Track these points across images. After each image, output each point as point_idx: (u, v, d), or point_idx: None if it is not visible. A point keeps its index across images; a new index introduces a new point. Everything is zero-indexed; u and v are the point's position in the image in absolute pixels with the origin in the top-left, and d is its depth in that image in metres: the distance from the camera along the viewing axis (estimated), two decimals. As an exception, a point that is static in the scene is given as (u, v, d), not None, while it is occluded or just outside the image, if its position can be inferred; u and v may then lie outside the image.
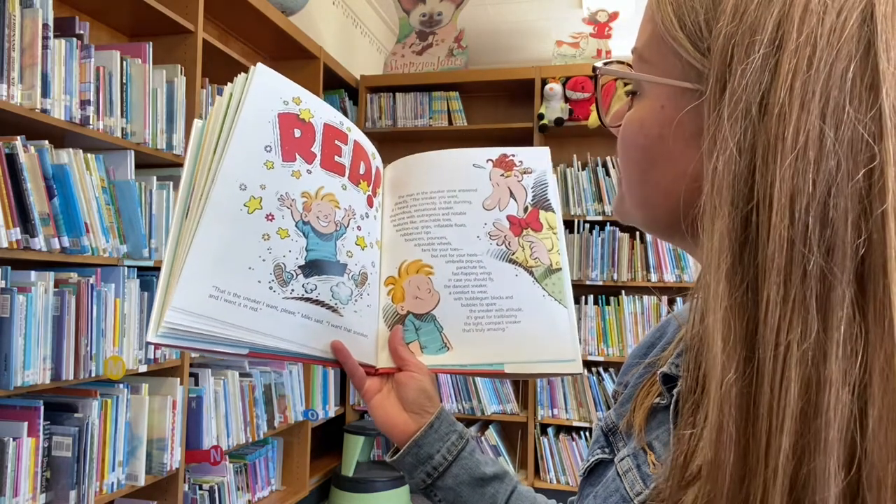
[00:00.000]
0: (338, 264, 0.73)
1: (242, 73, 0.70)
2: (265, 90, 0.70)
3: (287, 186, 0.69)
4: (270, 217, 0.68)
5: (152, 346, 2.15)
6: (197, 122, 0.71)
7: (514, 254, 0.78)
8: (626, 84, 0.47)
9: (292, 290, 0.68)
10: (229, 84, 0.71)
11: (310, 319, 0.70)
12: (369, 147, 0.81)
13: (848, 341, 0.31)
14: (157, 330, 0.61)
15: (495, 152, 0.82)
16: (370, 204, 0.79)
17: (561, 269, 0.78)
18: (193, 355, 2.39)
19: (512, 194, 0.80)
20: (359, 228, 0.76)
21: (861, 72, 0.32)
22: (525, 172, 0.81)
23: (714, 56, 0.36)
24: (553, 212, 0.80)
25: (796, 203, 0.32)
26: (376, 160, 0.82)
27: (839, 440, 0.31)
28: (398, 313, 0.78)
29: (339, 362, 0.72)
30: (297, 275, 0.69)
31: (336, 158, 0.75)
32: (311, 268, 0.70)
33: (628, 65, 0.46)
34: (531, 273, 0.77)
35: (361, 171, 0.78)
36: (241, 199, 0.66)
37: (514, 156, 0.82)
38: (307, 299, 0.69)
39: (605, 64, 0.48)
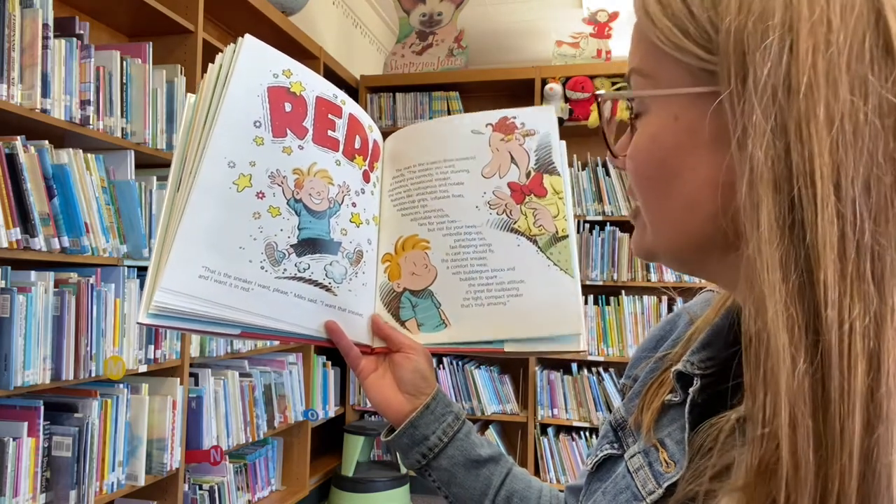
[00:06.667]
0: (332, 242, 0.71)
1: (231, 44, 0.68)
2: (253, 63, 0.68)
3: (278, 163, 0.67)
4: (261, 195, 0.66)
5: (152, 346, 2.16)
6: (190, 98, 0.69)
7: (515, 222, 0.74)
8: (627, 108, 0.45)
9: (284, 270, 0.67)
10: (219, 55, 0.68)
11: (303, 299, 0.68)
12: (366, 120, 0.78)
13: None
14: (147, 311, 0.60)
15: (496, 115, 0.78)
16: (366, 179, 0.77)
17: (567, 236, 0.73)
18: (193, 354, 2.39)
19: (513, 159, 0.76)
20: (354, 205, 0.74)
21: (875, 40, 0.33)
22: (527, 135, 0.77)
23: (727, 51, 0.36)
24: (558, 175, 0.75)
25: (841, 176, 0.32)
26: (374, 133, 0.79)
27: None
28: (394, 291, 0.76)
29: (333, 342, 0.71)
30: (289, 254, 0.67)
31: (329, 133, 0.72)
32: (304, 246, 0.69)
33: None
34: (535, 242, 0.73)
35: (357, 146, 0.75)
36: (230, 176, 0.65)
37: (514, 118, 0.78)
38: (300, 279, 0.68)
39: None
